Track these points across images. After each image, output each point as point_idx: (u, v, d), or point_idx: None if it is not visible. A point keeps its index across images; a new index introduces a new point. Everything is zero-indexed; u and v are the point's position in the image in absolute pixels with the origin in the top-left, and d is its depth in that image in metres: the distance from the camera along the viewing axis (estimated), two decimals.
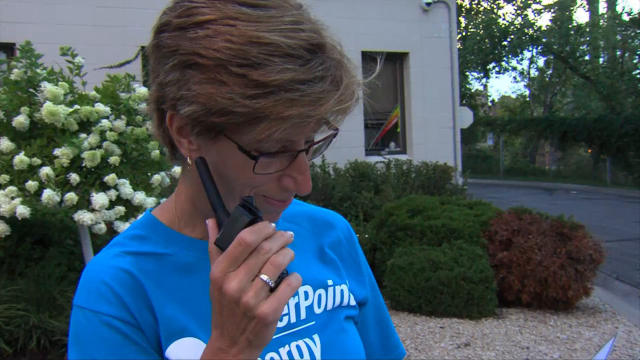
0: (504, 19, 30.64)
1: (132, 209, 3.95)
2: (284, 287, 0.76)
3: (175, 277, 0.94)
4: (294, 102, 0.75)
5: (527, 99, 36.72)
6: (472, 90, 33.66)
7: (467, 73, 31.50)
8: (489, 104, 38.85)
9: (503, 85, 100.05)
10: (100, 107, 3.98)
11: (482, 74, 33.04)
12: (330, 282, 1.06)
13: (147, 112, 0.91)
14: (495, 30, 28.99)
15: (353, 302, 1.09)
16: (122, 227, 3.86)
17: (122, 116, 4.09)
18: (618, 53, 28.88)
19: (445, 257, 6.21)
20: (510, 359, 5.04)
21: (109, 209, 3.87)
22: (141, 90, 4.24)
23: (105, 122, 3.95)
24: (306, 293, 1.02)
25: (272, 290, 0.76)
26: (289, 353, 0.96)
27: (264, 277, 0.75)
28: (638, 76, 27.43)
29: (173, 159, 0.94)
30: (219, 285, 0.76)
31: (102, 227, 3.87)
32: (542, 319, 6.07)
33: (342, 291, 1.07)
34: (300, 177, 0.85)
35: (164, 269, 0.94)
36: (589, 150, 26.40)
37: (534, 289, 6.16)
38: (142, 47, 8.13)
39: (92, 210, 3.84)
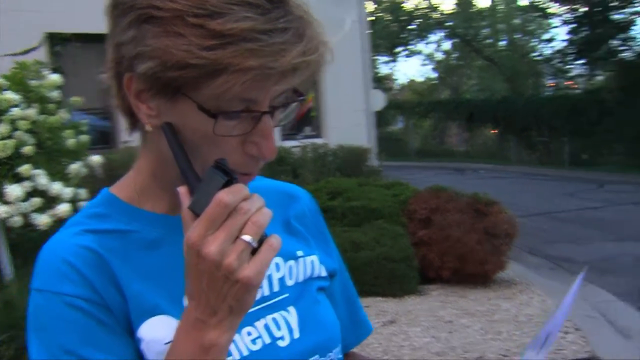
0: (409, 3, 31.30)
1: (49, 200, 3.79)
2: (265, 249, 0.72)
3: (142, 254, 0.88)
4: (254, 52, 0.71)
5: (435, 82, 37.64)
6: (382, 74, 34.19)
7: (376, 57, 31.98)
8: (396, 87, 39.55)
9: (411, 69, 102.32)
10: (10, 95, 3.79)
11: (390, 58, 33.65)
12: (300, 252, 1.03)
13: (106, 79, 0.84)
14: (402, 14, 29.56)
15: (324, 273, 1.06)
16: (40, 219, 3.72)
17: (34, 104, 3.91)
18: (518, 36, 30.03)
19: (367, 237, 6.27)
20: (435, 333, 5.16)
21: (24, 201, 3.71)
22: (52, 77, 4.07)
23: (15, 111, 3.77)
24: (277, 265, 0.98)
25: (253, 252, 0.72)
26: (266, 326, 0.93)
27: (246, 237, 0.71)
28: (536, 58, 28.67)
29: (133, 129, 0.88)
30: (197, 250, 0.70)
31: (18, 219, 3.70)
32: (462, 294, 6.24)
33: (312, 262, 1.04)
34: (263, 141, 0.80)
35: (129, 246, 0.87)
36: (494, 131, 27.39)
37: (454, 265, 6.32)
38: (48, 34, 7.76)
39: (7, 203, 3.67)
